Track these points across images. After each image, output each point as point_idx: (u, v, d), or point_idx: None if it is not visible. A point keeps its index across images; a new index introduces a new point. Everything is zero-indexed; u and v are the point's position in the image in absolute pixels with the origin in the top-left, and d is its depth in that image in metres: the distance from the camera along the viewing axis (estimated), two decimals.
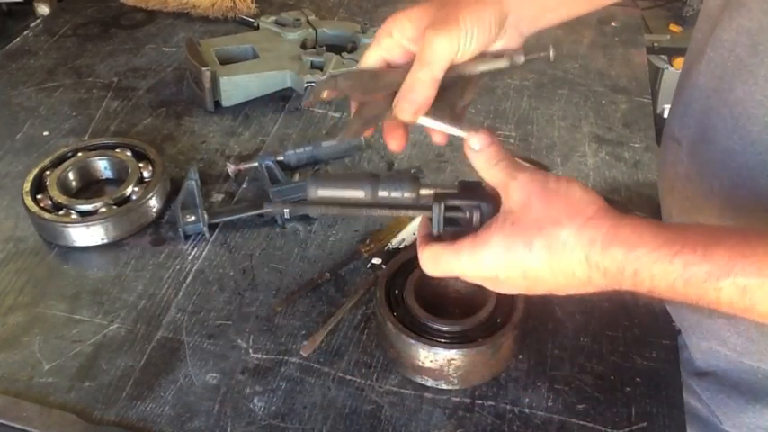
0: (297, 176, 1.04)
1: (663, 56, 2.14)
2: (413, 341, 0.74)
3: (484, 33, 0.63)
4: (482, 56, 0.66)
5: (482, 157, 0.61)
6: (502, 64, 0.67)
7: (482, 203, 0.62)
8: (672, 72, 2.20)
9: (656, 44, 1.91)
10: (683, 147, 0.79)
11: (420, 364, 0.75)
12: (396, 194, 0.64)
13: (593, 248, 0.55)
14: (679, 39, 2.01)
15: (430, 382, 0.76)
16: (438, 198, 0.63)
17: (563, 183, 0.58)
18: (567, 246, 0.56)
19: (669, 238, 0.54)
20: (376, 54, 0.68)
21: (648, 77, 1.28)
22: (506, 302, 0.78)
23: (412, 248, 0.89)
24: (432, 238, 0.64)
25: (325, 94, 0.66)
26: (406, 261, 0.83)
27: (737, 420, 0.81)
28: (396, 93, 0.64)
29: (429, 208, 0.64)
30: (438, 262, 0.61)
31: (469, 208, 0.63)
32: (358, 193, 0.65)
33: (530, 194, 0.58)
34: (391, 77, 0.65)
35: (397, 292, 0.79)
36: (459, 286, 0.82)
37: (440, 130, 0.66)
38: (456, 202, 0.63)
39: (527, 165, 0.61)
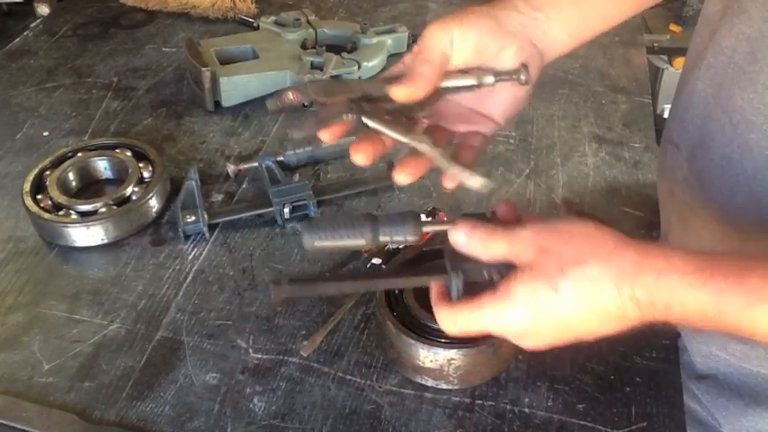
0: (297, 176, 1.04)
1: (663, 56, 2.15)
2: (413, 341, 0.74)
3: (479, 29, 0.64)
4: (448, 72, 0.65)
5: (474, 243, 0.59)
6: (468, 82, 0.66)
7: (500, 265, 0.59)
8: (672, 72, 2.21)
9: (656, 44, 1.92)
10: (682, 152, 0.79)
11: (420, 364, 0.75)
12: (398, 238, 0.62)
13: (623, 279, 0.53)
14: (679, 39, 2.01)
15: (430, 382, 0.76)
16: (455, 266, 0.60)
17: (573, 223, 0.57)
18: (595, 281, 0.53)
19: (699, 264, 0.52)
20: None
21: (648, 77, 1.28)
22: None
23: (412, 248, 0.89)
24: (447, 297, 0.62)
25: (291, 96, 0.64)
26: (406, 261, 0.83)
27: (737, 424, 0.81)
28: (357, 97, 0.63)
29: (444, 271, 0.62)
30: (458, 321, 0.59)
31: (488, 269, 0.60)
32: (358, 241, 0.62)
33: (541, 245, 0.56)
34: (358, 85, 0.65)
35: (397, 292, 0.79)
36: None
37: (387, 134, 0.63)
38: (473, 267, 0.60)
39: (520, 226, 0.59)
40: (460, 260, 0.61)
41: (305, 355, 0.80)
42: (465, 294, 0.60)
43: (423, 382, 0.77)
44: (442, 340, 0.74)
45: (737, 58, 0.68)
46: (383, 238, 0.62)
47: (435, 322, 0.75)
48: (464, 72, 0.66)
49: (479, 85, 0.66)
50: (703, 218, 0.77)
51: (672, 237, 0.85)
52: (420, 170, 0.63)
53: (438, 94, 0.66)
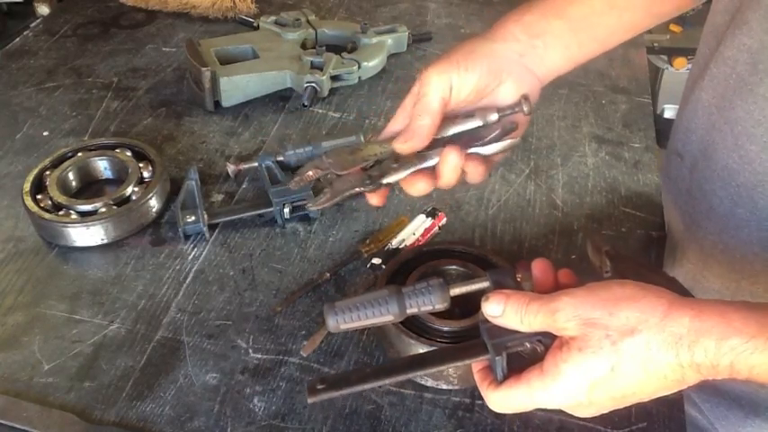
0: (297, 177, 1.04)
1: (663, 56, 2.15)
2: (413, 341, 0.74)
3: (479, 72, 0.67)
4: (454, 117, 0.68)
5: (510, 316, 0.57)
6: (473, 124, 0.68)
7: (542, 337, 0.57)
8: (672, 72, 2.21)
9: (656, 44, 1.92)
10: (686, 161, 0.79)
11: None
12: (426, 308, 0.60)
13: (681, 346, 0.50)
14: (679, 39, 2.01)
15: (430, 382, 0.76)
16: (495, 344, 0.58)
17: (614, 287, 0.54)
18: (651, 351, 0.51)
19: (760, 321, 0.49)
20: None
21: (648, 77, 1.28)
22: None
23: (412, 248, 0.89)
24: (490, 374, 0.60)
25: (311, 174, 0.69)
26: (406, 261, 0.83)
27: None
28: (369, 165, 0.68)
29: (483, 348, 0.59)
30: (510, 402, 0.58)
31: (529, 339, 0.58)
32: (385, 318, 0.60)
33: (585, 317, 0.53)
34: (368, 151, 0.69)
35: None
36: None
37: (402, 177, 0.68)
38: (516, 344, 0.58)
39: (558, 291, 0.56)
40: (498, 331, 0.59)
41: (305, 355, 0.80)
42: (509, 367, 0.58)
43: (423, 383, 0.77)
44: (442, 340, 0.74)
45: (739, 69, 0.68)
46: (410, 311, 0.60)
47: (435, 323, 0.75)
48: (467, 114, 0.68)
49: (484, 125, 0.69)
50: (705, 229, 0.77)
51: (679, 247, 0.85)
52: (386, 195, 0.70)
53: (446, 141, 0.68)
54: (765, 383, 0.50)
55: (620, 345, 0.51)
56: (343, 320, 0.59)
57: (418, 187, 0.69)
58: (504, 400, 0.58)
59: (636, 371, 0.52)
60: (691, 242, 0.81)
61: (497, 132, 0.69)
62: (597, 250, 0.66)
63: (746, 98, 0.67)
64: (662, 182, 0.91)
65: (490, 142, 0.69)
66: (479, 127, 0.69)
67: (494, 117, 0.68)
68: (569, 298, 0.54)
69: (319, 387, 0.58)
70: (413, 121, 0.66)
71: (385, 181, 0.68)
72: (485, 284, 0.62)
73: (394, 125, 0.70)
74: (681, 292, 0.55)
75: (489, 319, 0.58)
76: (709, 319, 0.50)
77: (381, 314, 0.60)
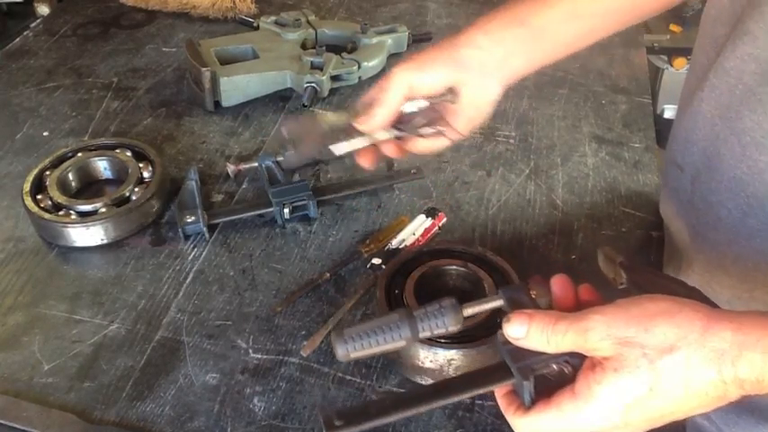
0: (296, 176, 1.04)
1: (663, 56, 2.15)
2: (417, 343, 0.74)
3: (438, 76, 0.76)
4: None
5: (535, 337, 0.54)
6: (411, 107, 0.77)
7: (569, 357, 0.54)
8: (672, 72, 2.20)
9: (656, 44, 1.92)
10: (686, 173, 0.78)
11: (420, 364, 0.75)
12: (439, 330, 0.57)
13: (724, 362, 0.48)
14: (679, 39, 2.01)
15: (430, 382, 0.76)
16: (524, 371, 0.55)
17: (646, 303, 0.51)
18: (691, 368, 0.49)
19: None
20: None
21: (648, 77, 1.28)
22: None
23: (412, 248, 0.89)
24: (515, 399, 0.57)
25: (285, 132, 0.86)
26: (407, 261, 0.83)
27: None
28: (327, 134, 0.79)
29: (507, 372, 0.56)
30: (540, 428, 0.54)
31: (557, 361, 0.55)
32: (397, 343, 0.57)
33: (618, 335, 0.50)
34: (323, 119, 0.81)
35: (397, 292, 0.79)
36: (459, 286, 0.83)
37: (357, 147, 0.79)
38: (542, 366, 0.55)
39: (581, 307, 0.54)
40: (521, 353, 0.56)
41: (305, 355, 0.80)
42: (541, 399, 0.55)
43: (423, 382, 0.77)
44: (442, 340, 0.74)
45: (746, 80, 0.67)
46: (423, 334, 0.57)
47: None
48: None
49: (418, 111, 0.78)
50: (714, 239, 0.76)
51: (684, 258, 0.84)
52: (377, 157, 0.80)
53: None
54: None
55: (658, 363, 0.49)
56: (354, 348, 0.56)
57: (365, 160, 0.80)
58: (534, 425, 0.54)
59: (675, 390, 0.49)
60: (697, 253, 0.80)
61: (419, 118, 0.78)
62: (610, 261, 0.64)
63: (755, 108, 0.66)
64: (662, 194, 0.90)
65: (415, 126, 0.78)
66: (414, 113, 0.78)
67: (423, 103, 0.77)
68: (600, 316, 0.51)
69: (337, 423, 0.54)
70: (373, 108, 0.76)
71: (336, 152, 0.78)
72: (498, 303, 0.59)
73: (361, 103, 0.80)
74: (703, 301, 0.53)
75: (511, 340, 0.55)
76: (753, 332, 0.48)
77: (393, 339, 0.57)
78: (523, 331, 0.54)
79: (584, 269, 0.90)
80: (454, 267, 0.82)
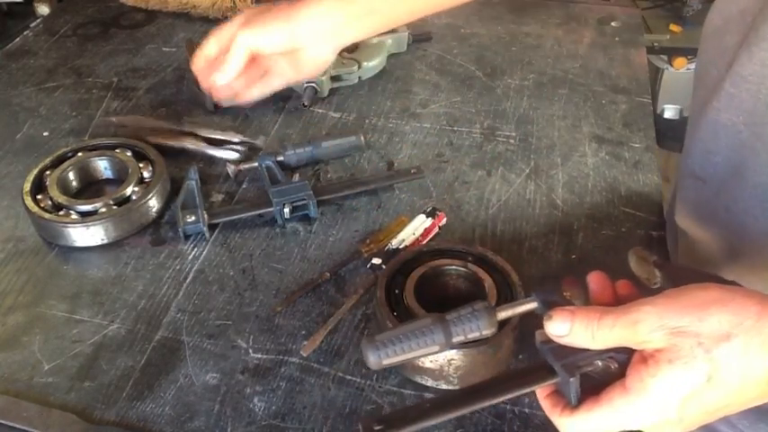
0: (297, 176, 1.04)
1: (663, 56, 2.14)
2: None
3: (281, 37, 0.91)
4: None
5: (580, 334, 0.52)
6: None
7: (614, 353, 0.53)
8: (672, 72, 2.20)
9: (656, 44, 1.92)
10: (710, 185, 0.77)
11: (420, 364, 0.75)
12: (473, 335, 0.56)
13: None
14: (679, 39, 2.01)
15: (430, 382, 0.76)
16: (569, 368, 0.53)
17: (697, 292, 0.50)
18: (749, 356, 0.47)
19: None
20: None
21: (648, 77, 1.28)
22: (506, 302, 0.78)
23: (412, 248, 0.89)
24: (559, 399, 0.55)
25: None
26: (407, 261, 0.83)
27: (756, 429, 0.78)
28: None
29: (549, 370, 0.55)
30: (591, 426, 0.53)
31: (602, 358, 0.54)
32: (431, 349, 0.55)
33: (671, 325, 0.49)
34: None
35: (397, 292, 0.79)
36: (459, 286, 0.83)
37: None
38: (586, 363, 0.54)
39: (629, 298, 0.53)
40: (563, 350, 0.54)
41: (305, 355, 0.80)
42: (588, 397, 0.53)
43: (423, 382, 0.77)
44: None
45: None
46: (457, 339, 0.56)
47: None
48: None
49: None
50: (740, 248, 0.75)
51: (713, 269, 0.84)
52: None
53: None
54: None
55: (714, 352, 0.47)
56: (386, 355, 0.54)
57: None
58: (584, 424, 0.53)
59: (733, 379, 0.48)
60: (727, 261, 0.79)
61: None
62: (643, 261, 0.62)
63: None
64: (677, 203, 0.89)
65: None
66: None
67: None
68: (650, 307, 0.50)
69: (377, 428, 0.53)
70: (223, 65, 0.94)
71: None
72: (533, 305, 0.58)
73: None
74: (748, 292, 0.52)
75: (554, 338, 0.53)
76: None
77: (426, 344, 0.54)
78: (567, 328, 0.52)
79: (584, 269, 0.89)
80: (454, 267, 0.82)
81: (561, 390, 0.55)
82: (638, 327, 0.49)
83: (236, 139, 1.09)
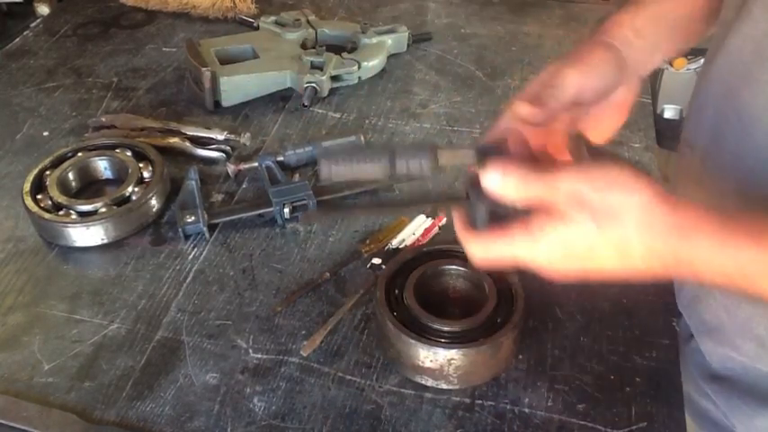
0: (297, 176, 1.04)
1: None
2: (413, 341, 0.74)
3: (606, 73, 0.71)
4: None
5: (508, 186, 0.58)
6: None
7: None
8: (672, 72, 2.20)
9: None
10: (696, 152, 0.80)
11: (420, 363, 0.75)
12: (414, 168, 0.61)
13: (654, 236, 0.55)
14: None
15: (430, 382, 0.76)
16: (478, 195, 0.60)
17: (609, 171, 0.56)
18: (627, 238, 0.55)
19: (726, 224, 0.54)
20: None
21: (648, 77, 1.28)
22: (506, 303, 0.78)
23: (412, 248, 0.89)
24: (472, 227, 0.62)
25: None
26: (407, 261, 0.83)
27: (750, 425, 0.81)
28: None
29: (465, 198, 0.62)
30: (491, 251, 0.60)
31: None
32: (375, 171, 0.61)
33: (578, 197, 0.56)
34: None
35: (397, 292, 0.79)
36: (459, 286, 0.83)
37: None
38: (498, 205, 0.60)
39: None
40: (482, 192, 0.60)
41: (305, 354, 0.80)
42: (494, 227, 0.60)
43: (423, 382, 0.77)
44: (442, 340, 0.74)
45: (745, 58, 0.69)
46: (399, 169, 0.61)
47: (435, 323, 0.75)
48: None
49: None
50: None
51: None
52: None
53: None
54: (717, 282, 0.55)
55: (603, 227, 0.55)
56: (335, 163, 0.61)
57: None
58: (486, 247, 0.60)
59: (611, 253, 0.56)
60: None
61: None
62: (578, 141, 0.68)
63: (752, 86, 0.68)
64: (675, 177, 0.90)
65: None
66: None
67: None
68: (567, 175, 0.56)
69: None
70: (541, 101, 0.67)
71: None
72: (471, 153, 0.62)
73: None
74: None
75: (486, 187, 0.59)
76: (684, 215, 0.55)
77: (372, 166, 0.61)
78: (498, 179, 0.58)
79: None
80: (454, 267, 0.82)
81: (472, 214, 0.62)
82: (553, 190, 0.56)
83: (221, 137, 1.09)
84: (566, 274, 0.59)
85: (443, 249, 0.85)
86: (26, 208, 0.93)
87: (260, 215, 0.97)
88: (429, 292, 0.80)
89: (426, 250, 0.85)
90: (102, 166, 1.03)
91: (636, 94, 0.75)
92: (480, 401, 0.75)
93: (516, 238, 0.58)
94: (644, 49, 0.75)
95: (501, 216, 0.59)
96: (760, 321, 0.74)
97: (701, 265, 0.54)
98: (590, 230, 0.55)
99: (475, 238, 0.61)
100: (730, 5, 0.74)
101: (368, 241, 0.93)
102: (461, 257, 0.83)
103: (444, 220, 0.96)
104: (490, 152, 0.62)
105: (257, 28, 1.34)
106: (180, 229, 0.93)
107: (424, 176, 0.62)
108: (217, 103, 1.17)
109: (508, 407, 0.75)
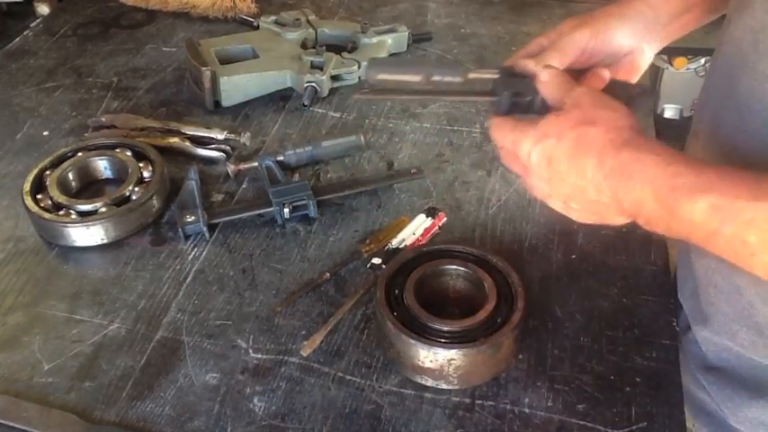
0: (297, 176, 1.04)
1: (663, 56, 2.15)
2: (413, 341, 0.74)
3: (614, 39, 0.79)
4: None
5: (552, 83, 0.70)
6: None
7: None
8: (672, 72, 2.21)
9: None
10: (700, 139, 0.81)
11: (420, 364, 0.75)
12: (448, 78, 0.73)
13: (608, 153, 0.61)
14: (679, 39, 2.01)
15: (430, 382, 0.76)
16: (502, 86, 0.72)
17: (612, 104, 0.67)
18: (583, 151, 0.62)
19: (673, 153, 0.60)
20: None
21: (648, 77, 1.28)
22: (506, 302, 0.78)
23: (412, 248, 0.89)
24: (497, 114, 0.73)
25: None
26: (407, 261, 0.83)
27: (741, 415, 0.82)
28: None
29: (494, 93, 0.73)
30: (502, 131, 0.69)
31: (531, 92, 0.71)
32: (415, 77, 0.71)
33: (579, 102, 0.66)
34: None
35: (397, 292, 0.79)
36: (459, 286, 0.83)
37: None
38: (518, 89, 0.72)
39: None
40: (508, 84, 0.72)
41: (305, 354, 0.80)
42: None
43: (423, 382, 0.77)
44: (442, 340, 0.74)
45: (744, 48, 0.70)
46: (436, 77, 0.73)
47: (435, 323, 0.75)
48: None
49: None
50: None
51: None
52: None
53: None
54: (648, 204, 0.59)
55: (574, 129, 0.64)
56: (381, 70, 0.72)
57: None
58: (500, 127, 0.70)
59: (570, 153, 0.63)
60: None
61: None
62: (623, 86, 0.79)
63: (749, 75, 0.69)
64: None
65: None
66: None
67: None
68: (584, 88, 0.69)
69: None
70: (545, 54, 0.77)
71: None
72: (495, 75, 0.74)
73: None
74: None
75: (542, 79, 0.71)
76: (629, 161, 0.61)
77: (413, 72, 0.72)
78: (552, 76, 0.71)
79: (584, 269, 0.90)
80: (454, 267, 0.82)
81: (496, 104, 0.73)
82: (569, 94, 0.68)
83: (221, 137, 1.09)
84: (548, 189, 0.67)
85: (443, 249, 0.85)
86: (26, 208, 0.93)
87: (260, 215, 0.97)
88: (429, 292, 0.80)
89: (426, 250, 0.85)
90: (102, 166, 1.03)
91: (647, 61, 0.82)
92: (480, 401, 0.75)
93: (521, 126, 0.67)
94: (657, 20, 0.81)
95: (521, 106, 0.71)
96: (759, 309, 0.74)
97: (638, 180, 0.59)
98: (567, 154, 0.63)
99: (497, 119, 0.70)
100: None
101: (368, 241, 0.93)
102: (461, 257, 0.83)
103: (444, 220, 0.96)
104: (512, 74, 0.73)
105: (257, 28, 1.34)
106: (180, 229, 0.93)
107: (453, 86, 0.74)
108: (217, 103, 1.17)
109: (508, 407, 0.75)
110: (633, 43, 0.79)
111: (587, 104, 0.66)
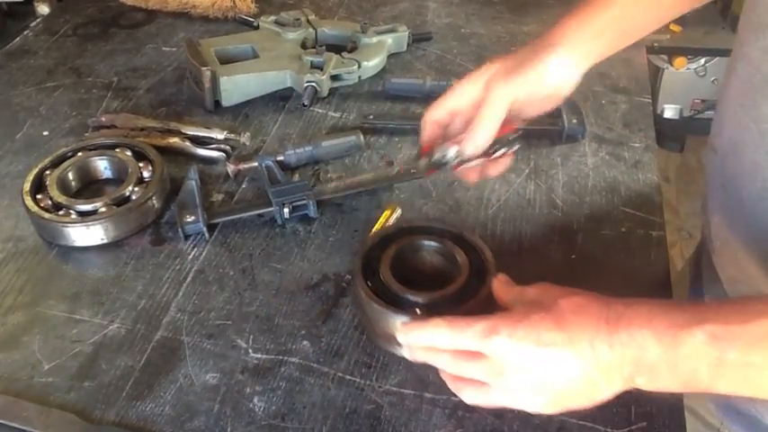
0: (296, 176, 1.04)
1: (663, 56, 2.14)
2: (383, 309, 0.75)
3: (537, 78, 0.79)
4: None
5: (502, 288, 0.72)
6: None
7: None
8: (672, 72, 2.20)
9: (656, 44, 1.91)
10: (718, 156, 0.81)
11: (391, 332, 0.75)
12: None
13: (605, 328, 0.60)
14: (679, 39, 2.01)
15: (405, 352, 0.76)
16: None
17: (575, 297, 0.64)
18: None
19: (660, 302, 0.60)
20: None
21: (648, 77, 1.28)
22: (479, 278, 0.78)
23: (392, 226, 0.89)
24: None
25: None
26: (387, 235, 0.84)
27: None
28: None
29: None
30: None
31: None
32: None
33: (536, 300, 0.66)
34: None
35: (375, 265, 0.80)
36: (435, 262, 0.83)
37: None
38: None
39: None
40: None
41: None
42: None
43: (395, 352, 0.77)
44: (417, 310, 0.75)
45: (764, 69, 0.69)
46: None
47: (406, 293, 0.76)
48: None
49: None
50: (737, 220, 0.78)
51: (719, 239, 0.85)
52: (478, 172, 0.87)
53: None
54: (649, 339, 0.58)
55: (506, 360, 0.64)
56: None
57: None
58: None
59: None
60: (725, 231, 0.83)
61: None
62: None
63: None
64: (704, 185, 0.91)
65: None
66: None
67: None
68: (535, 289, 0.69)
69: None
70: (475, 130, 0.78)
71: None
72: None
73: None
74: None
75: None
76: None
77: None
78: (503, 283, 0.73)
79: (584, 269, 0.90)
80: (430, 243, 0.83)
81: None
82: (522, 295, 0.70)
83: (220, 137, 1.09)
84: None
85: (424, 226, 0.85)
86: (26, 208, 0.93)
87: (260, 215, 0.97)
88: (408, 268, 0.81)
89: (407, 227, 0.86)
90: (102, 166, 1.03)
91: (574, 80, 0.82)
92: None
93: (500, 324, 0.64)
94: (571, 65, 0.81)
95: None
96: None
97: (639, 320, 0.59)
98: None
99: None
100: (747, 13, 0.74)
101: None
102: (439, 233, 0.83)
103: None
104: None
105: (257, 27, 1.33)
106: (180, 229, 0.93)
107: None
108: (217, 103, 1.17)
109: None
110: (566, 76, 0.81)
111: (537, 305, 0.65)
